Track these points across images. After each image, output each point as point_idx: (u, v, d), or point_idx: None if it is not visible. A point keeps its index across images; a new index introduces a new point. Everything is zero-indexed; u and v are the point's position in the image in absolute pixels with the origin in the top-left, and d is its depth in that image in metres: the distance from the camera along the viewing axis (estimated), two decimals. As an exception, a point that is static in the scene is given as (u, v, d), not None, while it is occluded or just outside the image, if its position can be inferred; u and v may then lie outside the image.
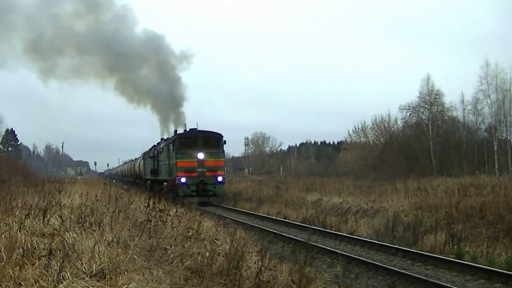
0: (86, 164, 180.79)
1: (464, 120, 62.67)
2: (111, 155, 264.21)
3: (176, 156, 36.06)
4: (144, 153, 55.86)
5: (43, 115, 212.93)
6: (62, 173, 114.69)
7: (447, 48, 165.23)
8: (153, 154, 47.06)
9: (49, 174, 67.50)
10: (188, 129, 40.42)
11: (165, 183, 38.05)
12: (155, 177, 44.71)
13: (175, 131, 43.14)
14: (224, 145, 38.17)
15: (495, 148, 55.10)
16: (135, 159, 70.57)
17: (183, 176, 35.19)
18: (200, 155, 35.83)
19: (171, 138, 40.85)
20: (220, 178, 36.45)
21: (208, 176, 35.85)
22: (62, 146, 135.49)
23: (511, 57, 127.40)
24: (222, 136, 37.97)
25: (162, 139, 48.17)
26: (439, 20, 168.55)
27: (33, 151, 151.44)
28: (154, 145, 49.73)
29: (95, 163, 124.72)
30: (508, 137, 58.41)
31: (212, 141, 37.38)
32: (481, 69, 58.60)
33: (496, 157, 54.72)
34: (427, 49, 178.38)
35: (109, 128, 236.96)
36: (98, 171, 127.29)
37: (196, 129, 39.06)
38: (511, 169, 49.76)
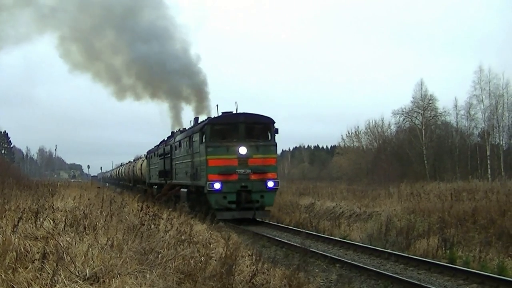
0: (79, 167, 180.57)
1: (457, 125, 63.00)
2: (104, 158, 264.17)
3: (207, 151, 25.36)
4: (149, 152, 45.81)
5: (35, 118, 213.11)
6: (55, 176, 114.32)
7: (441, 53, 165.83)
8: (163, 151, 36.43)
9: (42, 177, 67.42)
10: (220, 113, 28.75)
11: (183, 189, 29.08)
12: (166, 181, 34.13)
13: (196, 119, 32.31)
14: (276, 134, 26.75)
15: (488, 153, 55.28)
16: (134, 160, 64.15)
17: (217, 181, 24.86)
18: (242, 150, 25.28)
19: (196, 125, 29.93)
20: (271, 184, 25.57)
21: (254, 180, 25.29)
22: (56, 149, 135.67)
23: (504, 63, 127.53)
24: (274, 122, 26.71)
25: (173, 132, 37.95)
26: (434, 24, 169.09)
27: (26, 154, 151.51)
28: (164, 140, 39.77)
29: (88, 166, 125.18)
30: (501, 142, 58.74)
31: (259, 128, 26.71)
32: (474, 75, 58.91)
33: (488, 162, 54.88)
34: (421, 54, 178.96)
35: (101, 131, 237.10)
36: (92, 175, 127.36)
37: (233, 112, 28.02)
38: (504, 174, 49.85)
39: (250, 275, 9.61)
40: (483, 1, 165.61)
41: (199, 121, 30.70)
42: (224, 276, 9.23)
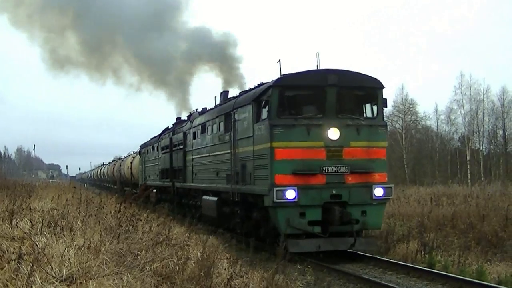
0: (57, 167, 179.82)
1: (437, 129, 63.53)
2: (83, 159, 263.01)
3: (273, 134, 14.63)
4: (144, 145, 36.34)
5: (13, 117, 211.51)
6: (33, 176, 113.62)
7: (422, 57, 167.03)
8: (169, 142, 27.34)
9: (20, 177, 66.86)
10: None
11: (205, 197, 20.86)
12: (174, 184, 26.37)
13: (225, 92, 22.50)
14: (385, 108, 16.62)
15: (468, 158, 55.72)
16: (119, 158, 56.18)
17: (289, 186, 14.48)
18: (334, 133, 14.91)
19: (235, 98, 19.44)
20: (379, 191, 15.47)
21: (352, 185, 15.20)
22: (34, 149, 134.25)
23: (485, 68, 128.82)
24: (383, 87, 16.06)
25: (179, 118, 29.77)
26: (416, 28, 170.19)
27: (4, 153, 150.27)
28: (168, 128, 30.40)
29: (67, 167, 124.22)
30: (481, 147, 59.35)
31: (360, 97, 16.20)
32: (455, 80, 59.59)
33: (468, 167, 55.32)
34: (402, 58, 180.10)
35: (79, 132, 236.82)
36: (70, 175, 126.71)
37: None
38: (483, 179, 50.26)
39: (228, 277, 9.55)
40: (465, 5, 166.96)
41: (229, 96, 21.53)
42: (202, 279, 9.18)
